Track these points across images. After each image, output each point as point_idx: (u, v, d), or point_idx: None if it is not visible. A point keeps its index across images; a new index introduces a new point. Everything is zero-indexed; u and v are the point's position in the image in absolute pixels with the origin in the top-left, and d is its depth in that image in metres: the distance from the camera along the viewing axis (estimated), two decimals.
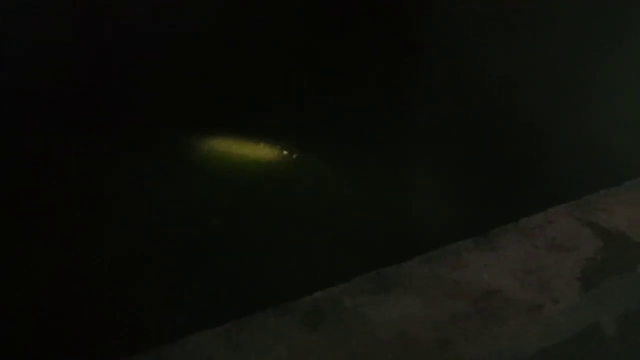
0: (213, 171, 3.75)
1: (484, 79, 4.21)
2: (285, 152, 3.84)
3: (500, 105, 4.10)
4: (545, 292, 1.86)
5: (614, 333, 1.92)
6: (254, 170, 3.75)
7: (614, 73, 4.03)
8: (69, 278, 2.78)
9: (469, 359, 1.68)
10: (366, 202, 3.48)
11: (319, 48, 4.53)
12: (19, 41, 4.22)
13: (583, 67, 4.25)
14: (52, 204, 3.23)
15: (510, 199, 3.19)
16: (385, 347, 1.66)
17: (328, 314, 1.74)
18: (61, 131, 3.71)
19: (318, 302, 1.77)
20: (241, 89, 4.15)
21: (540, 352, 1.80)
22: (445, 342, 1.69)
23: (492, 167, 3.67)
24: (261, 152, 3.86)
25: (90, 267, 2.90)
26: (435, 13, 4.70)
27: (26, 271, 2.85)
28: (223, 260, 2.95)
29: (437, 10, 4.72)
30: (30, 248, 2.98)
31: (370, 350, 1.65)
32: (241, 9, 4.63)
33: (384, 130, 3.93)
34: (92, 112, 3.94)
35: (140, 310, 2.64)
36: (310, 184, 3.65)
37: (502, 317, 1.79)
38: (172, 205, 3.35)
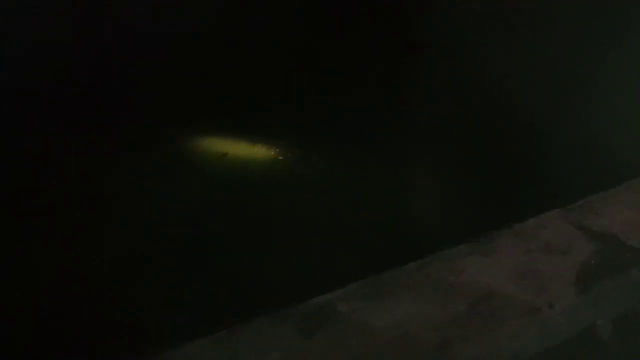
0: (213, 171, 3.75)
1: (483, 79, 4.21)
2: (285, 152, 3.84)
3: (500, 105, 4.10)
4: (542, 295, 1.87)
5: (610, 334, 1.93)
6: (253, 170, 3.75)
7: (614, 73, 4.03)
8: (68, 278, 2.79)
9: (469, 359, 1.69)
10: (364, 203, 3.48)
11: (319, 48, 4.53)
12: (19, 41, 4.23)
13: (583, 67, 4.25)
14: (52, 204, 3.23)
15: (508, 201, 3.19)
16: (384, 349, 1.67)
17: (329, 319, 1.74)
18: (61, 131, 3.71)
19: (315, 308, 1.78)
20: (241, 89, 4.15)
21: (539, 353, 1.81)
22: (445, 342, 1.70)
23: (490, 168, 3.67)
24: (261, 152, 3.86)
25: (90, 267, 2.91)
26: (435, 13, 4.70)
27: (26, 271, 2.85)
28: (221, 262, 2.95)
29: (437, 10, 4.72)
30: (30, 248, 2.98)
31: (370, 350, 1.66)
32: (241, 9, 4.63)
33: (384, 130, 3.93)
34: (92, 112, 3.94)
35: (140, 311, 2.65)
36: (309, 184, 3.64)
37: (501, 319, 1.80)
38: (172, 205, 3.35)
